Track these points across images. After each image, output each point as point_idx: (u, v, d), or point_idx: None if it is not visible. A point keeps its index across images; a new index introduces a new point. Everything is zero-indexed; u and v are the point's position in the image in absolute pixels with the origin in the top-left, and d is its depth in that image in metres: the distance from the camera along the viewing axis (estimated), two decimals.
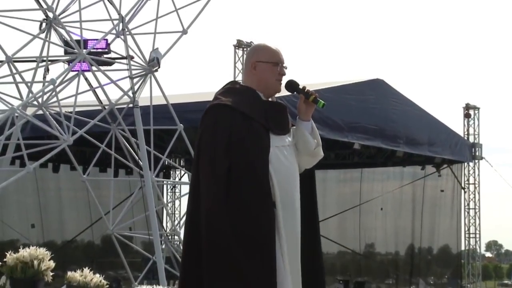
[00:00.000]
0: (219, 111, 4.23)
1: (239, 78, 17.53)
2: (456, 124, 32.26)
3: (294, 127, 4.46)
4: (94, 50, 12.38)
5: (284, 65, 4.44)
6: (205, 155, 4.16)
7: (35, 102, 12.13)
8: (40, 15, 12.56)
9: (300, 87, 4.44)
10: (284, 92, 4.52)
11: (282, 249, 4.12)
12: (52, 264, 7.00)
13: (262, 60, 4.39)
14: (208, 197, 4.06)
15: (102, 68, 12.46)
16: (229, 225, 3.99)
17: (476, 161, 22.70)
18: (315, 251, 4.46)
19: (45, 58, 12.40)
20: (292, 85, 4.46)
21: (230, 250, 3.98)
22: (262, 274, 3.99)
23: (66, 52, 12.47)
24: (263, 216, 4.05)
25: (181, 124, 13.11)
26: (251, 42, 17.79)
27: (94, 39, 12.44)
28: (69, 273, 7.41)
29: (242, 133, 4.16)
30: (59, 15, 12.33)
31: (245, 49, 17.61)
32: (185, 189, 21.99)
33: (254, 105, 4.30)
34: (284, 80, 4.48)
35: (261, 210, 4.06)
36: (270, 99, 4.44)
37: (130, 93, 12.56)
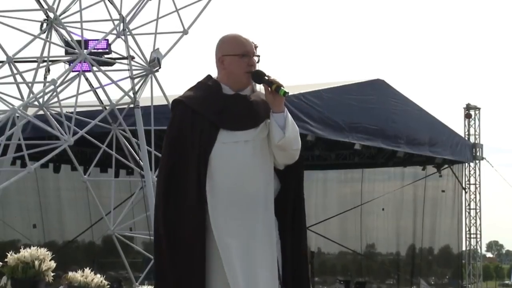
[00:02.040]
0: (174, 108, 4.32)
1: None
2: (457, 124, 32.21)
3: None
4: (95, 50, 12.39)
5: (255, 55, 4.32)
6: (162, 151, 4.30)
7: (36, 103, 12.13)
8: (41, 16, 12.58)
9: (266, 77, 4.26)
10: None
11: (226, 252, 4.04)
12: (53, 264, 7.00)
13: (229, 53, 4.29)
14: (155, 200, 4.23)
15: (103, 68, 12.46)
16: (163, 228, 4.10)
17: (477, 161, 22.68)
18: (299, 248, 4.28)
19: (46, 59, 12.40)
20: (258, 75, 4.30)
21: (163, 253, 4.10)
22: (184, 274, 4.04)
23: (67, 53, 12.48)
24: (191, 219, 4.07)
25: None
26: (252, 42, 17.77)
27: (95, 40, 12.44)
28: (70, 273, 7.41)
29: (187, 130, 4.17)
30: (60, 15, 12.33)
31: None
32: None
33: (209, 101, 4.23)
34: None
35: (189, 213, 4.07)
36: (242, 93, 4.29)
37: (131, 94, 12.56)
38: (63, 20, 12.35)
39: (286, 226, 4.24)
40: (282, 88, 4.19)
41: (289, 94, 4.31)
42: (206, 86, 4.31)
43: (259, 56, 4.36)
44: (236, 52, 4.28)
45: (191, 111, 4.21)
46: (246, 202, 4.12)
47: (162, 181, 4.18)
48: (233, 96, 4.27)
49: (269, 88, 4.21)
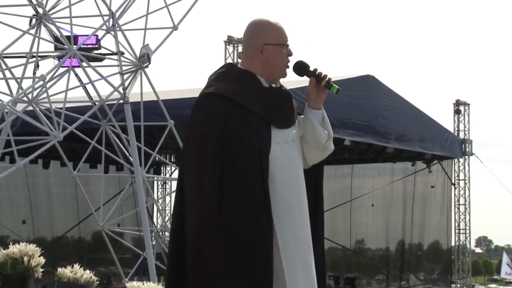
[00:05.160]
0: (212, 102, 3.65)
1: None
2: (446, 120, 32.30)
3: (301, 116, 3.87)
4: (84, 46, 12.36)
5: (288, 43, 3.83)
6: (194, 154, 3.61)
7: (25, 98, 12.09)
8: (30, 11, 12.54)
9: (311, 69, 3.81)
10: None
11: (282, 266, 3.62)
12: (42, 260, 6.99)
13: (271, 42, 3.75)
14: (197, 207, 3.54)
15: (93, 64, 12.44)
16: (218, 244, 3.51)
17: (466, 157, 22.77)
18: (317, 251, 3.88)
19: (35, 54, 12.37)
20: (301, 67, 3.81)
21: (221, 275, 3.51)
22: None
23: (56, 48, 12.44)
24: (258, 229, 3.54)
25: (172, 120, 13.10)
26: (242, 38, 17.78)
27: (84, 35, 12.42)
28: (60, 269, 7.41)
29: (237, 129, 3.60)
30: (49, 10, 12.30)
31: (235, 45, 17.58)
32: (176, 185, 22.00)
33: (253, 94, 3.71)
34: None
35: (255, 222, 3.54)
36: (273, 85, 3.81)
37: (120, 89, 12.54)
38: (52, 16, 12.31)
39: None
40: (333, 85, 3.80)
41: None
42: (240, 77, 3.75)
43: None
44: (279, 42, 3.76)
45: (237, 107, 3.64)
46: (299, 207, 3.74)
47: (208, 188, 3.53)
48: (271, 90, 3.79)
49: (317, 82, 3.79)
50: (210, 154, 3.56)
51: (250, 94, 3.70)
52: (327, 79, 3.79)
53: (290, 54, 3.80)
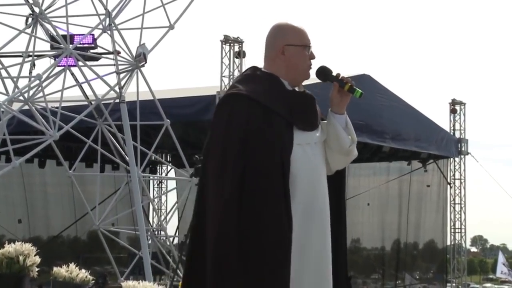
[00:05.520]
0: (235, 102, 3.64)
1: (226, 73, 17.50)
2: (442, 119, 32.38)
3: (324, 121, 3.87)
4: (81, 45, 12.37)
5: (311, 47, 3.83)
6: (216, 153, 3.60)
7: (21, 97, 12.09)
8: (26, 10, 12.54)
9: (334, 74, 3.83)
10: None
11: (302, 270, 3.61)
12: (37, 259, 6.98)
13: (293, 43, 3.75)
14: (218, 207, 3.52)
15: (89, 63, 12.44)
16: (238, 244, 3.48)
17: (462, 156, 22.78)
18: (340, 255, 3.88)
19: (31, 53, 12.37)
20: (324, 72, 3.82)
21: (238, 275, 3.49)
22: None
23: (52, 47, 12.44)
24: (279, 238, 3.51)
25: (168, 120, 13.10)
26: (238, 37, 17.76)
27: (81, 34, 12.42)
28: (55, 269, 7.40)
29: (260, 129, 3.59)
30: (45, 10, 12.30)
31: (232, 44, 17.56)
32: (171, 184, 21.99)
33: (277, 96, 3.70)
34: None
35: (278, 232, 3.50)
36: (296, 89, 3.82)
37: (116, 88, 12.54)
38: (48, 15, 12.31)
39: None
40: (357, 89, 3.83)
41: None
42: (263, 79, 3.75)
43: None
44: (301, 43, 3.77)
45: (260, 107, 3.63)
46: (319, 211, 3.70)
47: (229, 188, 3.51)
48: (294, 93, 3.80)
49: (340, 87, 3.81)
50: (233, 155, 3.56)
51: (274, 96, 3.70)
52: (350, 84, 3.81)
53: (312, 57, 3.81)
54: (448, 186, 22.96)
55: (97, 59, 12.73)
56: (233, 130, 3.58)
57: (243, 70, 3.90)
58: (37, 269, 6.97)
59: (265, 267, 3.49)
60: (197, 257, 3.63)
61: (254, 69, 3.85)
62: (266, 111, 3.63)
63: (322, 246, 3.69)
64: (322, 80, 3.83)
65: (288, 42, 3.75)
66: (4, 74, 12.19)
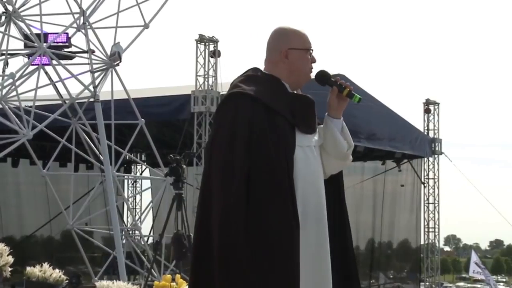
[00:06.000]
0: (238, 102, 3.64)
1: (201, 72, 17.49)
2: (416, 119, 32.60)
3: (321, 125, 3.90)
4: (55, 44, 12.31)
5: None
6: (221, 152, 3.59)
7: None
8: None
9: (333, 78, 3.87)
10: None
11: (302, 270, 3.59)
12: (10, 259, 6.94)
13: (296, 47, 3.81)
14: (223, 207, 3.51)
15: (63, 62, 12.39)
16: (247, 247, 3.47)
17: (436, 156, 22.93)
18: (346, 248, 3.92)
19: (4, 52, 12.28)
20: (323, 77, 3.88)
21: (246, 275, 3.47)
22: None
23: (26, 46, 12.38)
24: (287, 237, 3.53)
25: (142, 119, 13.08)
26: (213, 36, 17.76)
27: (55, 33, 12.36)
28: (28, 268, 7.36)
29: (264, 128, 3.60)
30: (18, 8, 12.22)
31: (206, 43, 17.55)
32: (146, 184, 21.94)
33: (279, 97, 3.73)
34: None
35: (284, 231, 3.52)
36: (296, 92, 3.87)
37: (91, 87, 12.50)
38: (22, 13, 12.24)
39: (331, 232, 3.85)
40: (355, 94, 3.85)
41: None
42: (265, 80, 3.78)
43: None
44: (303, 46, 3.83)
45: (264, 107, 3.65)
46: (318, 212, 3.73)
47: (235, 187, 3.51)
48: (295, 95, 3.85)
49: (339, 92, 3.85)
50: (237, 154, 3.55)
51: (276, 97, 3.73)
52: (349, 89, 3.84)
53: (313, 60, 3.88)
54: (422, 186, 23.10)
55: (71, 58, 12.68)
56: (237, 130, 3.59)
57: (245, 71, 3.89)
58: (10, 269, 6.93)
59: (274, 264, 3.49)
60: (204, 267, 3.59)
61: (255, 70, 3.86)
62: (269, 111, 3.66)
63: (320, 247, 3.71)
64: (321, 84, 3.88)
65: (291, 46, 3.81)
66: None
